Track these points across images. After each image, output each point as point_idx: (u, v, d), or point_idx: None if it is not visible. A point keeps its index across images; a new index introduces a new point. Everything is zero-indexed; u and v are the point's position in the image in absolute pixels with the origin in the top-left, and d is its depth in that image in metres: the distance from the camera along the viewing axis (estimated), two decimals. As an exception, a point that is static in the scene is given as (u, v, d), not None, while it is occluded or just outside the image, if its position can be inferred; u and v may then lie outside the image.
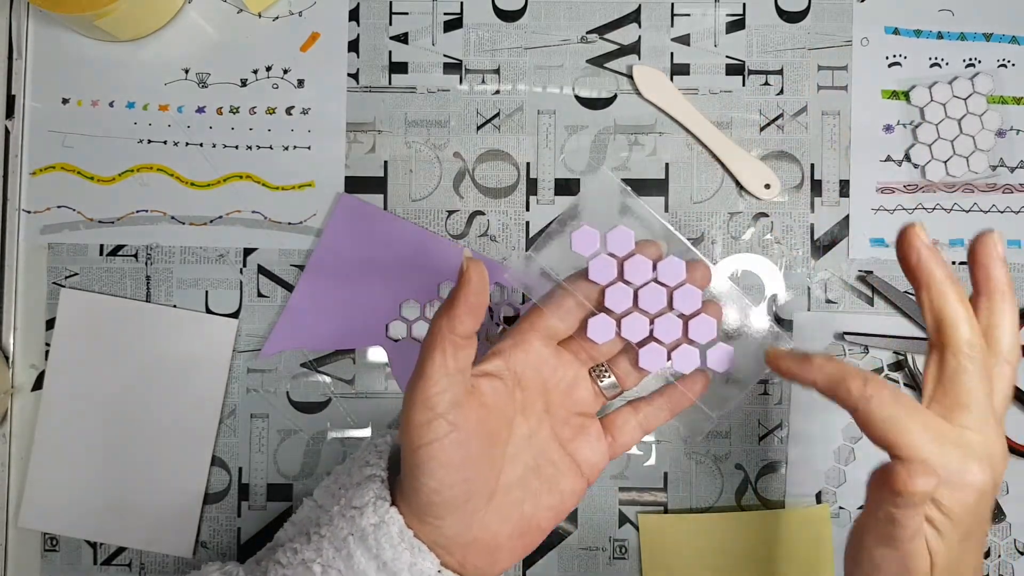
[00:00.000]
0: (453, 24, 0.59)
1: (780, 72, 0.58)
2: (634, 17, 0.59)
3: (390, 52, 0.59)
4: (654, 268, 0.40)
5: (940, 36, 0.58)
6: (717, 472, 0.57)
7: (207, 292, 0.58)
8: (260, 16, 0.58)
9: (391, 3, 0.59)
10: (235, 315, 0.57)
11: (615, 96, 0.58)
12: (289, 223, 0.58)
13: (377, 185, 0.58)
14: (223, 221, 0.58)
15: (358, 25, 0.59)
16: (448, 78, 0.58)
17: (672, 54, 0.58)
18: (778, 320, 0.58)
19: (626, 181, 0.56)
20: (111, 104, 0.58)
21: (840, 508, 0.57)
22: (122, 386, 0.57)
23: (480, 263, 0.37)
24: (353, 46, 0.59)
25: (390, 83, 0.58)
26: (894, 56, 0.58)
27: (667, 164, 0.58)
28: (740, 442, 0.57)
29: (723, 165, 0.58)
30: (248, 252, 0.58)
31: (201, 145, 0.58)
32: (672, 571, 0.56)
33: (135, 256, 0.58)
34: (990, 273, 0.38)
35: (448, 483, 0.37)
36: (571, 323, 0.41)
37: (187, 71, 0.58)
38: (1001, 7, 0.58)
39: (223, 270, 0.58)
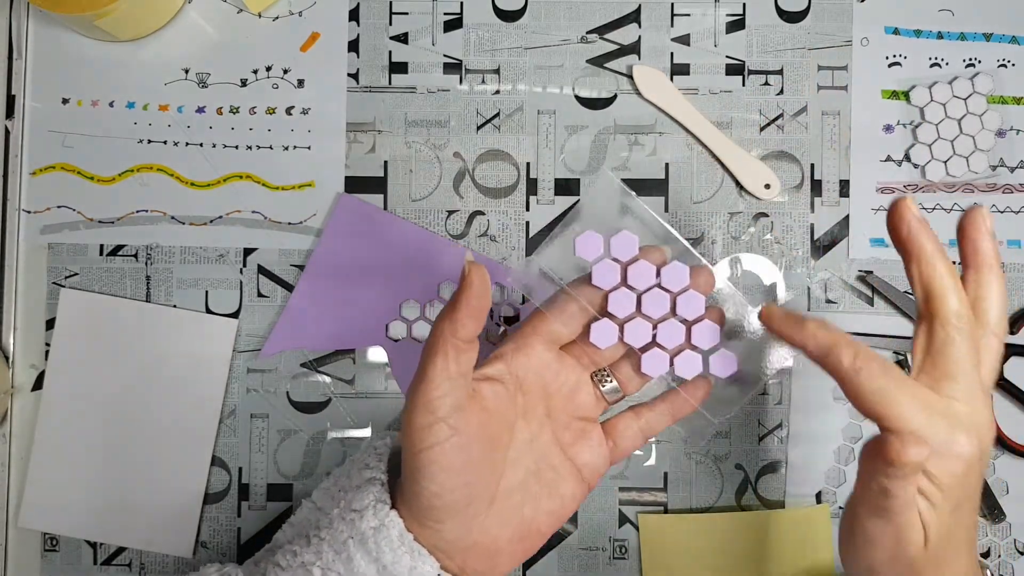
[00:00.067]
0: (453, 24, 0.58)
1: (780, 72, 0.58)
2: (634, 17, 0.58)
3: (390, 52, 0.58)
4: (658, 274, 0.40)
5: (940, 36, 0.58)
6: (717, 472, 0.57)
7: (207, 292, 0.58)
8: (260, 16, 0.58)
9: (391, 3, 0.58)
10: (235, 315, 0.57)
11: (615, 96, 0.58)
12: (289, 223, 0.58)
13: (377, 185, 0.58)
14: (223, 221, 0.58)
15: (358, 25, 0.58)
16: (448, 78, 0.58)
17: (672, 54, 0.58)
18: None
19: (626, 181, 0.56)
20: (111, 104, 0.58)
21: (840, 508, 0.57)
22: (122, 386, 0.57)
23: (482, 267, 0.37)
24: (353, 46, 0.58)
25: (390, 83, 0.58)
26: (894, 56, 0.58)
27: (667, 164, 0.58)
28: (740, 442, 0.57)
29: (723, 165, 0.58)
30: (248, 252, 0.58)
31: (201, 145, 0.58)
32: (672, 571, 0.56)
33: (135, 256, 0.58)
34: (978, 246, 0.38)
35: (449, 487, 0.37)
36: (574, 327, 0.41)
37: (187, 71, 0.58)
38: (1001, 7, 0.58)
39: (223, 270, 0.58)
